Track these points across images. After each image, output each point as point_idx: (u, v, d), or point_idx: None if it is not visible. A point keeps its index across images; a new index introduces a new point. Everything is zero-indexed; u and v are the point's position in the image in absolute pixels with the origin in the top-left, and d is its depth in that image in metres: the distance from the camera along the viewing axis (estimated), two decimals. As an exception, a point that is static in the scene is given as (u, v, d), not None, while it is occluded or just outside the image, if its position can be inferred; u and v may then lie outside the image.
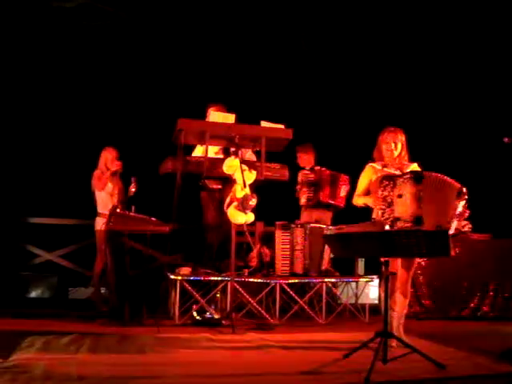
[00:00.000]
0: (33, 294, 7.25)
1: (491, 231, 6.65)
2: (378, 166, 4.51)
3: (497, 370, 3.64)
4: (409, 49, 8.90)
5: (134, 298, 5.38)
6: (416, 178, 4.07)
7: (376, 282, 6.39)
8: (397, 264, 4.27)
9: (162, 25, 8.59)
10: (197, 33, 8.68)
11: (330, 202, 6.63)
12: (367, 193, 4.53)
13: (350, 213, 5.53)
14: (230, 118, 5.72)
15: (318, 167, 6.79)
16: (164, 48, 8.62)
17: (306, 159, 6.83)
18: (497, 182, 8.08)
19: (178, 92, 8.32)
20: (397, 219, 4.06)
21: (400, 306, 4.34)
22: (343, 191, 6.66)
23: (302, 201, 6.69)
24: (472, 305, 6.34)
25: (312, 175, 6.67)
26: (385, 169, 4.46)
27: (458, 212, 4.17)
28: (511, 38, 8.32)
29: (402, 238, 3.50)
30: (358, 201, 4.55)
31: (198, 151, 6.12)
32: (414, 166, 4.52)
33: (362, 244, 3.73)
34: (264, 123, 5.76)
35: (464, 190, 4.15)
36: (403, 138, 4.52)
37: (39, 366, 3.40)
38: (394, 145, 4.46)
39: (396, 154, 4.49)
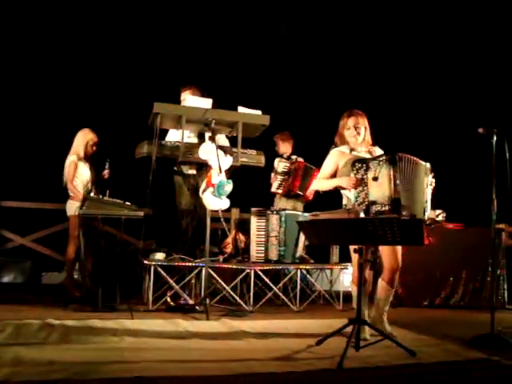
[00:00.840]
0: (5, 279, 7.14)
1: (464, 221, 6.73)
2: (345, 149, 4.39)
3: (466, 356, 3.70)
4: (382, 34, 8.93)
5: (108, 283, 5.33)
6: (392, 160, 4.04)
7: (350, 269, 6.43)
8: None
9: (139, 8, 8.48)
10: (175, 16, 8.58)
11: (299, 192, 6.67)
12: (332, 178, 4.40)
13: (323, 200, 5.54)
14: (207, 103, 5.67)
15: (295, 157, 6.82)
16: (141, 31, 8.51)
17: (283, 147, 6.86)
18: (470, 172, 8.18)
19: (155, 75, 8.22)
20: (373, 202, 4.03)
21: (385, 294, 4.28)
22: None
23: (273, 188, 6.73)
24: (444, 293, 6.43)
25: (288, 164, 6.70)
26: (353, 152, 4.36)
27: (429, 189, 4.20)
28: (489, 29, 8.40)
29: (377, 225, 3.51)
30: (324, 184, 4.42)
31: (172, 135, 6.07)
32: (381, 151, 4.44)
33: (336, 231, 3.73)
34: (241, 109, 5.72)
35: (428, 165, 4.21)
36: (366, 122, 4.42)
37: (9, 351, 3.35)
38: (355, 129, 4.34)
39: (360, 139, 4.37)
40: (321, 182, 4.47)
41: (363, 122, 4.40)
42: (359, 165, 4.13)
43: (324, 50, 9.18)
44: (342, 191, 4.35)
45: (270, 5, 8.85)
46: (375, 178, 4.03)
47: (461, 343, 4.11)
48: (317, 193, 6.42)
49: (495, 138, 4.27)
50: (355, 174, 4.11)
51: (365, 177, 4.09)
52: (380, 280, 4.33)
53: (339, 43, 9.08)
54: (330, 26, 8.98)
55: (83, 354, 3.38)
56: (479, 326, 4.38)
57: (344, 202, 4.33)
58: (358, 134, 4.37)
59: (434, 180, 4.30)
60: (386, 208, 3.99)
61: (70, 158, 6.12)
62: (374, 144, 4.49)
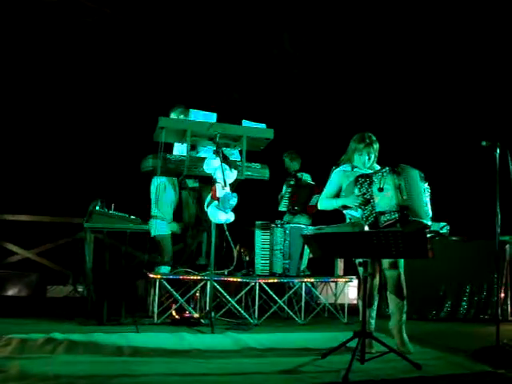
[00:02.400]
0: (10, 293, 7.15)
1: (468, 233, 6.72)
2: (347, 167, 4.42)
3: (472, 369, 3.69)
4: (385, 46, 8.98)
5: (113, 296, 5.34)
6: (395, 170, 4.10)
7: (355, 282, 6.43)
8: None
9: (145, 23, 8.57)
10: (180, 30, 8.65)
11: (296, 210, 6.84)
12: (338, 197, 4.43)
13: (327, 214, 5.55)
14: (212, 117, 5.71)
15: (301, 173, 6.98)
16: (147, 46, 8.59)
17: (292, 165, 7.08)
18: (474, 184, 8.18)
19: (160, 90, 8.29)
20: (381, 213, 4.07)
21: (396, 307, 4.32)
22: (314, 201, 6.74)
23: (280, 207, 6.90)
24: (449, 306, 6.41)
25: (292, 181, 6.85)
26: (355, 169, 4.39)
27: (427, 193, 4.26)
28: (493, 39, 8.44)
29: (381, 238, 3.52)
30: (328, 203, 4.44)
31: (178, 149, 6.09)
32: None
33: (341, 244, 3.75)
34: (246, 122, 5.76)
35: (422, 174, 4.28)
36: (377, 148, 4.44)
37: (15, 365, 3.35)
38: (367, 157, 4.39)
39: (368, 165, 4.42)
40: (326, 202, 4.48)
41: (375, 149, 4.43)
42: (362, 179, 4.17)
43: (326, 62, 9.24)
44: (345, 211, 4.40)
45: (273, 18, 8.93)
46: (381, 189, 4.08)
47: (466, 356, 4.09)
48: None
49: (498, 150, 4.29)
50: (359, 189, 4.15)
51: (369, 190, 4.12)
52: (388, 293, 4.35)
53: (341, 56, 9.14)
54: (333, 39, 9.05)
55: (89, 368, 3.39)
56: (484, 339, 4.37)
57: (347, 221, 4.39)
58: (369, 160, 4.40)
59: (428, 188, 4.34)
60: (396, 216, 4.02)
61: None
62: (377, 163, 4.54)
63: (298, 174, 6.98)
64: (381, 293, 4.46)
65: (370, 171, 4.37)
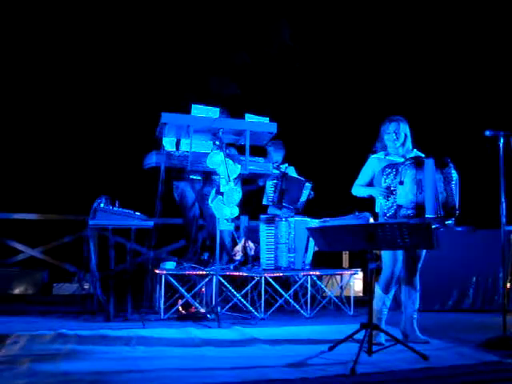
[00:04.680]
0: (16, 291, 7.19)
1: (474, 223, 6.71)
2: (380, 155, 4.42)
3: (479, 359, 3.69)
4: (387, 38, 8.95)
5: (119, 293, 5.36)
6: (417, 162, 4.10)
7: (360, 274, 6.44)
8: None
9: (147, 19, 8.56)
10: (181, 26, 8.64)
11: (285, 205, 6.45)
12: (369, 185, 4.44)
13: (332, 206, 5.56)
14: (214, 112, 5.70)
15: (286, 165, 6.69)
16: (148, 40, 8.58)
17: (275, 156, 6.62)
18: (479, 174, 8.15)
19: (162, 85, 8.28)
20: (399, 206, 4.08)
21: (408, 300, 4.35)
22: (304, 197, 6.55)
23: (264, 201, 6.50)
24: (455, 297, 6.40)
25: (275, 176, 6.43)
26: (387, 157, 4.38)
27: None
28: (498, 32, 8.41)
29: (386, 230, 3.52)
30: (360, 191, 4.46)
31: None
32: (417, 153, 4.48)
33: (345, 237, 3.75)
34: (249, 116, 5.75)
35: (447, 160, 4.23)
36: (406, 128, 4.44)
37: (24, 362, 3.38)
38: (395, 135, 4.37)
39: (398, 144, 4.40)
40: (358, 189, 4.49)
41: (404, 128, 4.42)
42: (389, 170, 4.19)
43: (327, 55, 9.22)
44: (376, 198, 4.40)
45: (274, 11, 8.91)
46: (401, 183, 4.10)
47: (473, 346, 4.10)
48: (315, 202, 6.42)
49: (502, 140, 4.28)
50: (385, 179, 4.16)
51: (394, 181, 4.14)
52: (403, 286, 4.37)
53: (343, 49, 9.11)
54: (333, 33, 9.02)
55: (97, 364, 3.41)
56: (491, 329, 4.37)
57: (377, 208, 4.37)
58: (397, 139, 4.39)
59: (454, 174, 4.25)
60: (410, 212, 4.02)
61: None
62: (413, 150, 4.50)
63: (282, 167, 6.63)
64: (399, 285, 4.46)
65: (403, 155, 4.37)
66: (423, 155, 4.43)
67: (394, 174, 4.15)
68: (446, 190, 4.17)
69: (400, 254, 4.26)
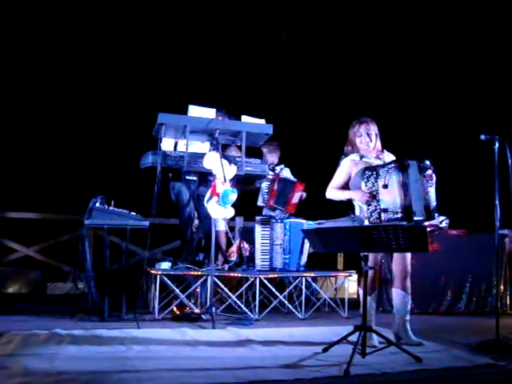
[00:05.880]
0: (10, 290, 7.17)
1: (468, 227, 6.74)
2: (355, 157, 4.40)
3: (472, 361, 3.71)
4: (383, 40, 8.98)
5: (114, 292, 5.35)
6: (401, 167, 4.07)
7: (355, 276, 6.45)
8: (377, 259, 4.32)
9: (143, 20, 8.56)
10: (178, 27, 8.65)
11: (277, 206, 6.49)
12: (344, 187, 4.42)
13: (327, 208, 5.56)
14: (211, 113, 5.71)
15: (280, 167, 6.71)
16: (145, 41, 8.58)
17: (270, 158, 6.69)
18: (473, 178, 8.20)
19: (159, 86, 8.29)
20: (384, 210, 4.04)
21: (401, 301, 4.34)
22: (296, 198, 6.55)
23: (259, 202, 6.57)
24: (449, 300, 6.43)
25: (270, 175, 6.48)
26: (363, 159, 4.37)
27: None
28: (493, 34, 8.44)
29: (381, 233, 3.53)
30: (336, 194, 4.41)
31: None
32: (391, 156, 4.49)
33: (341, 239, 3.76)
34: (245, 117, 5.76)
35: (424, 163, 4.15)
36: (376, 128, 4.45)
37: (19, 362, 3.37)
38: (367, 136, 4.38)
39: (372, 145, 4.40)
40: (333, 192, 4.45)
41: (374, 129, 4.43)
42: (369, 173, 4.14)
43: (325, 57, 9.24)
44: (354, 202, 4.39)
45: (271, 13, 8.92)
46: (385, 186, 4.06)
47: (467, 349, 4.13)
48: (311, 204, 6.42)
49: (497, 144, 4.30)
50: (366, 182, 4.13)
51: (375, 184, 4.10)
52: (393, 289, 4.37)
53: (340, 50, 9.13)
54: (331, 34, 9.04)
55: (91, 364, 3.40)
56: (485, 332, 4.39)
57: (357, 211, 4.35)
58: (370, 140, 4.40)
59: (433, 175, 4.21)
60: (398, 216, 4.01)
61: None
62: (382, 150, 4.51)
63: (277, 168, 6.68)
64: (381, 286, 4.48)
65: (376, 155, 4.38)
66: (393, 155, 4.46)
67: (374, 177, 4.10)
68: (426, 192, 4.12)
69: (379, 254, 4.29)
